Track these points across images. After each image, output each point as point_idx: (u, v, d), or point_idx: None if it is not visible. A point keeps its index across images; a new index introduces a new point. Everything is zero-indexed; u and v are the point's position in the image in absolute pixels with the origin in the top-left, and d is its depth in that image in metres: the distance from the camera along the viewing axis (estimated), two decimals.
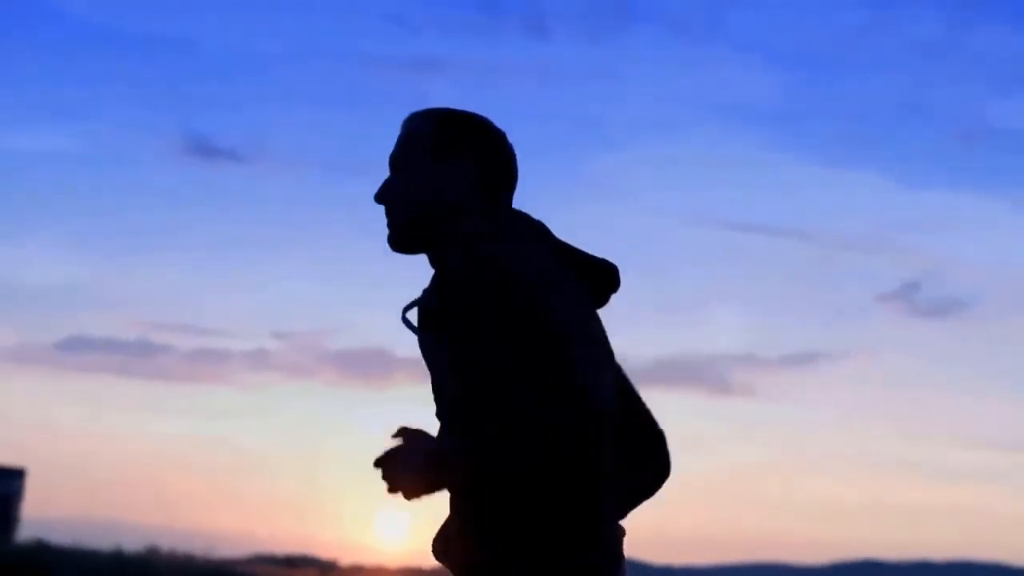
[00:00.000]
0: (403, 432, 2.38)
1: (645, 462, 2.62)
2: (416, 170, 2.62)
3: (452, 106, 2.69)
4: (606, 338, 2.54)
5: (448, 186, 2.59)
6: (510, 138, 2.68)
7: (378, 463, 2.37)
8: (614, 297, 2.62)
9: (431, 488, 2.37)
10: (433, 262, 2.62)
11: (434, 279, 2.55)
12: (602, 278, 2.58)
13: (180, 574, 22.26)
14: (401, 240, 2.63)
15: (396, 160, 2.65)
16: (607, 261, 2.58)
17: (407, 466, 2.34)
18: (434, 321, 2.47)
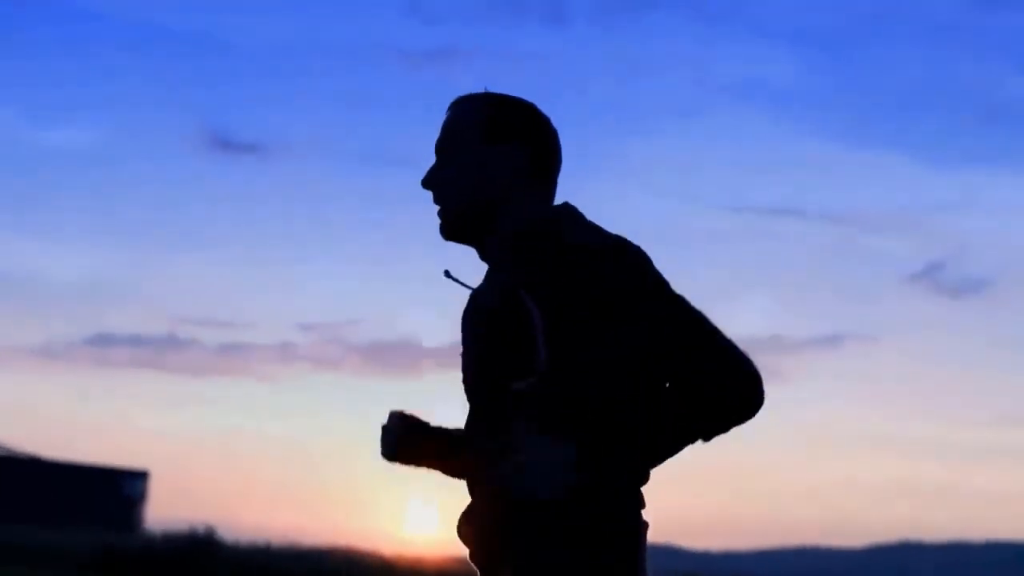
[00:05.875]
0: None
1: (717, 398, 2.48)
2: (466, 156, 2.58)
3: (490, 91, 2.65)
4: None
5: (499, 173, 2.56)
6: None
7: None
8: None
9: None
10: (485, 255, 2.61)
11: (499, 272, 2.55)
12: None
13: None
14: (454, 229, 2.60)
15: (443, 145, 2.62)
16: None
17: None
18: (543, 307, 2.43)
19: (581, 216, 2.56)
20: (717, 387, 2.45)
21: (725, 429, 2.51)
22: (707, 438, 2.51)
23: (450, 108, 2.64)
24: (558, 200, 2.62)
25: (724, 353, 2.46)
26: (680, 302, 2.47)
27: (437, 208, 2.61)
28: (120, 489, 37.79)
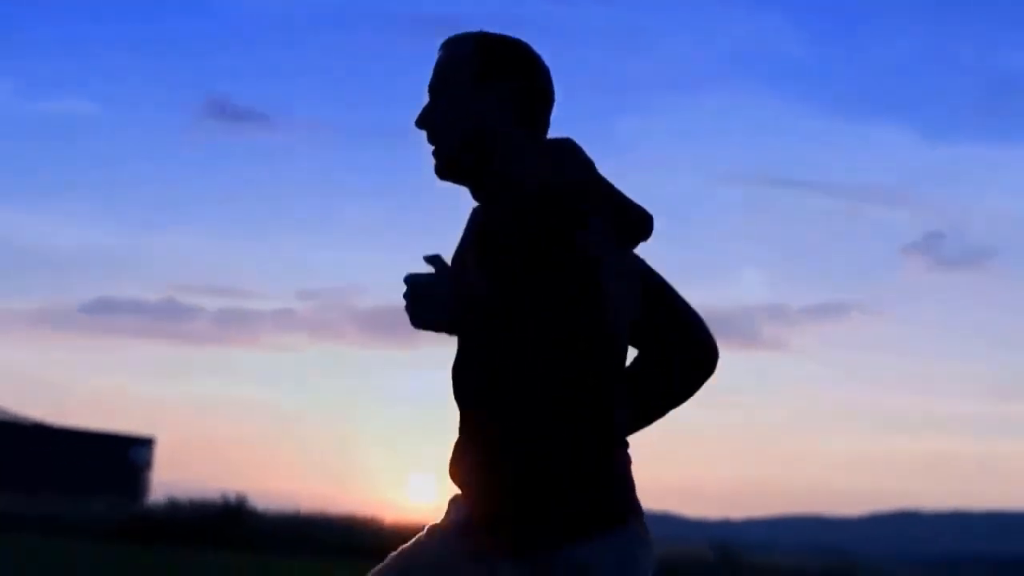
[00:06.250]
0: (437, 261, 2.46)
1: (680, 362, 2.62)
2: (459, 95, 2.59)
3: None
4: (637, 269, 2.59)
5: (492, 111, 2.58)
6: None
7: (409, 281, 2.45)
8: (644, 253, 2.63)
9: (449, 328, 2.45)
10: (477, 194, 2.63)
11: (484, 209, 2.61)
12: (635, 223, 2.56)
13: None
14: (448, 168, 2.60)
15: (436, 85, 2.62)
16: (643, 208, 2.57)
17: (434, 299, 2.42)
18: (489, 246, 2.50)
19: (573, 154, 2.58)
20: (682, 352, 2.59)
21: (684, 397, 2.63)
22: (669, 404, 2.63)
23: (442, 47, 2.65)
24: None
25: (687, 317, 2.60)
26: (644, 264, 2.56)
27: (431, 148, 2.62)
28: (125, 456, 37.91)
